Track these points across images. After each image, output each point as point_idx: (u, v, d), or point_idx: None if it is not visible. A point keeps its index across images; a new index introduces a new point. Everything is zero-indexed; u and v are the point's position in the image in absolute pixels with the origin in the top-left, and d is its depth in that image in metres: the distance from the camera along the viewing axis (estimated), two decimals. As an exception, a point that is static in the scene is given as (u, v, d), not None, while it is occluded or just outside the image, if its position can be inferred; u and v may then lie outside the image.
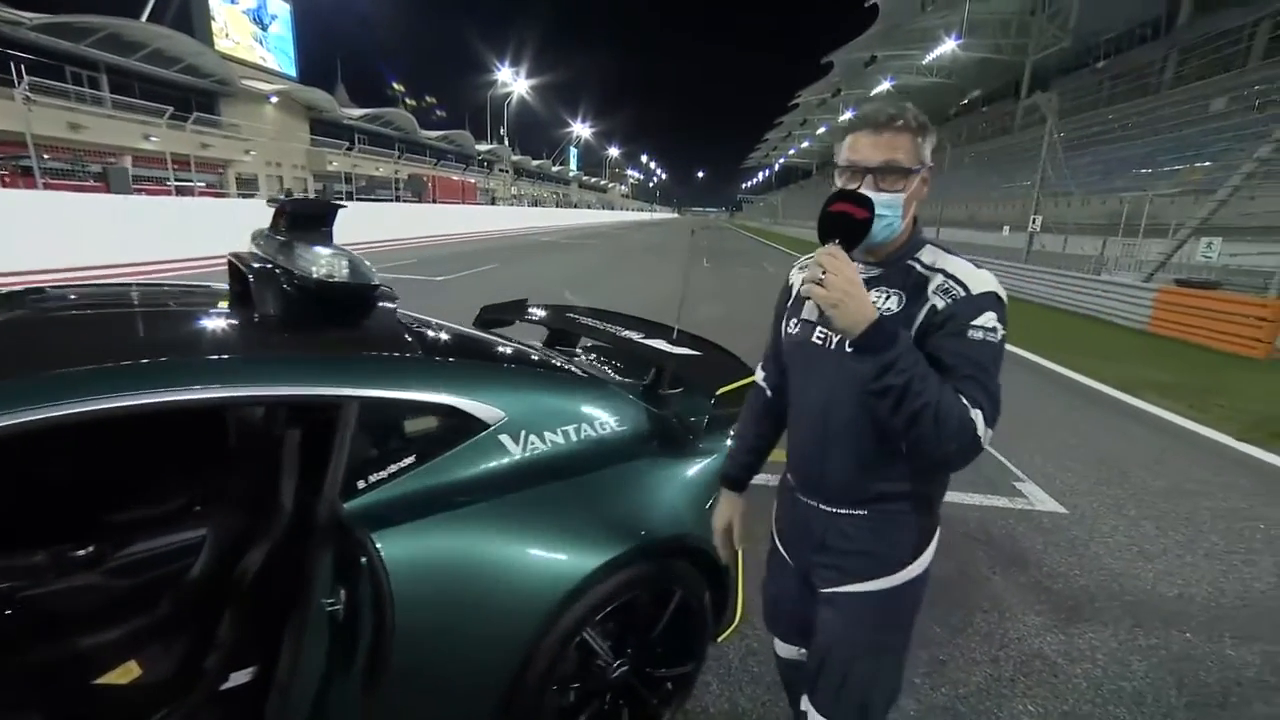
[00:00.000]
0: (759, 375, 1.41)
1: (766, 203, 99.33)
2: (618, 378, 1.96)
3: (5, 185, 13.41)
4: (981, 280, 1.03)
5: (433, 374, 1.36)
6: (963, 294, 1.02)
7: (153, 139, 24.07)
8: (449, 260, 15.32)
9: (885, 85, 41.59)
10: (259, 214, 1.78)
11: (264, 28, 33.23)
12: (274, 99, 32.36)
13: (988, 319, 1.00)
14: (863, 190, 1.01)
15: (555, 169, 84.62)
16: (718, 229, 64.42)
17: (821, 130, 64.40)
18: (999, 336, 1.00)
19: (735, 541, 1.38)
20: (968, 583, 2.60)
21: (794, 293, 1.22)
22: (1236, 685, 2.07)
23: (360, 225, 18.65)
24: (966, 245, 18.79)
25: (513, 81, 56.99)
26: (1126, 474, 3.86)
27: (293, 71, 35.36)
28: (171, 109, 24.10)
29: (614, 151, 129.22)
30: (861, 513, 1.14)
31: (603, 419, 1.55)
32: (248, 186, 30.58)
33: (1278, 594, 2.63)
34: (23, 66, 14.82)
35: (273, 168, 32.57)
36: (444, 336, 1.75)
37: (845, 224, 0.99)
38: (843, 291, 0.93)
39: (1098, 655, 2.18)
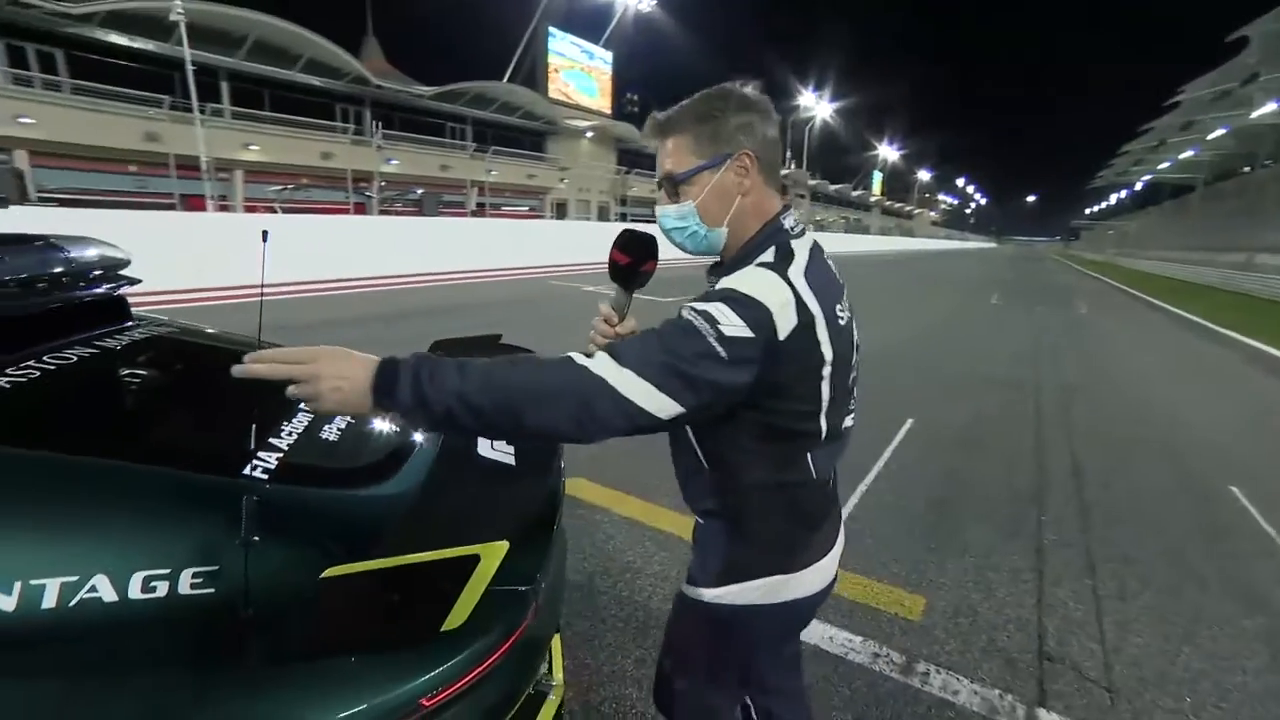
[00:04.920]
0: None
1: (1117, 229, 79.52)
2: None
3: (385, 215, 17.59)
4: (733, 280, 0.89)
5: None
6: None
7: (493, 173, 29.66)
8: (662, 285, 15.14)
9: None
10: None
11: (588, 74, 38.19)
12: (589, 134, 36.95)
13: (705, 305, 0.85)
14: (659, 203, 1.01)
15: (855, 194, 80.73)
16: (1034, 260, 54.31)
17: (1219, 133, 48.70)
18: (708, 325, 0.83)
19: None
20: None
21: None
22: None
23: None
24: None
25: (815, 105, 56.19)
26: None
27: (608, 109, 39.92)
28: (498, 147, 29.25)
29: (925, 175, 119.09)
30: (699, 520, 1.12)
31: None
32: (560, 210, 35.63)
33: None
34: (378, 123, 19.28)
35: (583, 193, 37.28)
36: None
37: (613, 270, 1.06)
38: (311, 375, 0.76)
39: None
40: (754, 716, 1.34)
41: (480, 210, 20.38)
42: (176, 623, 0.85)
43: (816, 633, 2.25)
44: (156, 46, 19.57)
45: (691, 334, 0.83)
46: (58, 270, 1.39)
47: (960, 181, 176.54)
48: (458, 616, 0.85)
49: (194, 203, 17.58)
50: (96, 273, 1.49)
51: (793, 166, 54.21)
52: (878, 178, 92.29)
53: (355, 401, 0.77)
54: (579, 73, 37.26)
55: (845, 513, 3.25)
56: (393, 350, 0.83)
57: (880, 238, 65.85)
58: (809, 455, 0.99)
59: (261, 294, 0.91)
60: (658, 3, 39.55)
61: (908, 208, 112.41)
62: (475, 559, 0.85)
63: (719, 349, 0.82)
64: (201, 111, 15.37)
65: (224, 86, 22.45)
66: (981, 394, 5.78)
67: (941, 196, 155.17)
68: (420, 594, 0.87)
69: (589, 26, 37.57)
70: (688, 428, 1.00)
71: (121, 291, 1.54)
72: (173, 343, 1.44)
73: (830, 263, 1.01)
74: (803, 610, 1.10)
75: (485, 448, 1.25)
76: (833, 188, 71.56)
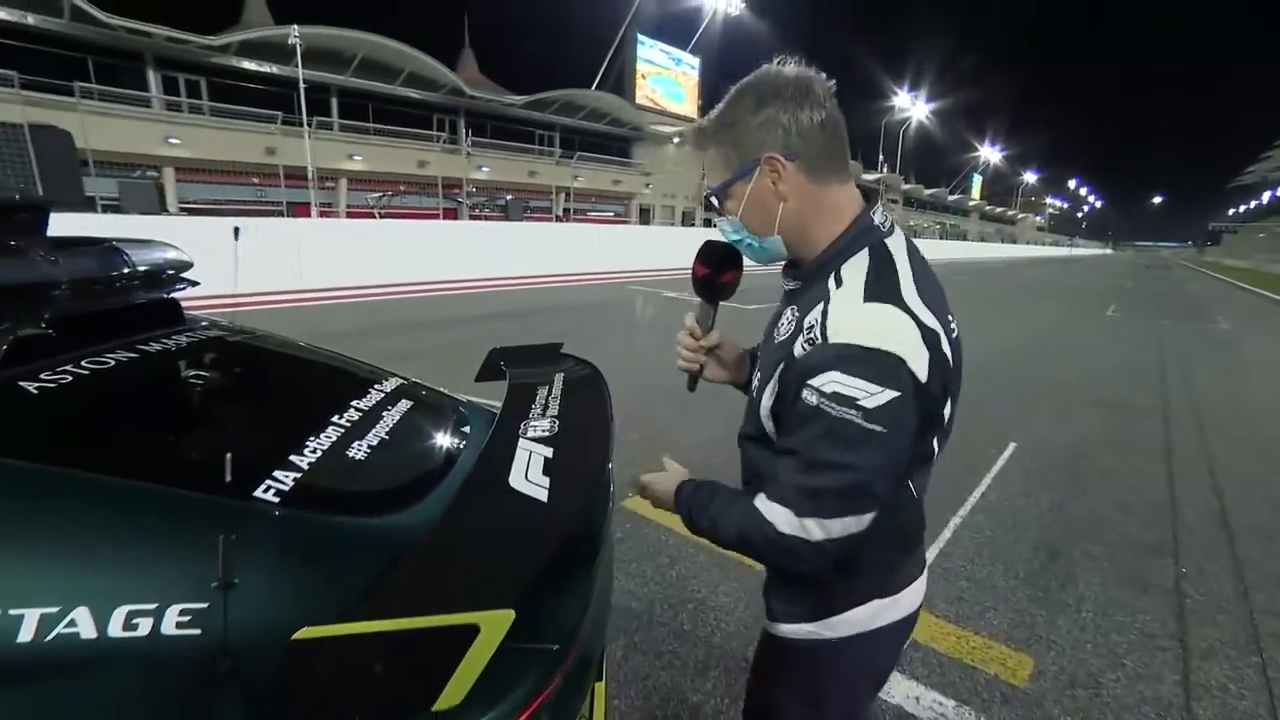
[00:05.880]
0: None
1: (1270, 231, 69.94)
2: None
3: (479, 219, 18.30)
4: (847, 324, 0.77)
5: None
6: (819, 340, 0.78)
7: (579, 178, 30.29)
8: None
9: None
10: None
11: (676, 80, 38.21)
12: (676, 139, 36.98)
13: (828, 380, 0.75)
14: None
15: (952, 199, 76.27)
16: (1158, 267, 49.23)
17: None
18: (847, 409, 0.74)
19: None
20: None
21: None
22: None
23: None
24: None
25: (910, 106, 53.63)
26: None
27: (694, 114, 39.80)
28: (584, 153, 29.74)
29: (1030, 178, 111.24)
30: None
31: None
32: (645, 216, 35.83)
33: None
34: (469, 131, 19.97)
35: (667, 198, 37.36)
36: None
37: (695, 283, 1.05)
38: (649, 487, 1.08)
39: None
40: None
41: (566, 215, 20.81)
42: (154, 666, 0.75)
43: (900, 690, 1.98)
44: (279, 69, 21.38)
45: (836, 433, 0.76)
46: (115, 273, 1.38)
47: (1072, 183, 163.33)
48: (454, 695, 0.70)
49: (299, 210, 18.93)
50: (156, 276, 1.48)
51: (885, 170, 51.88)
52: (977, 181, 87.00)
53: (670, 510, 1.04)
54: (666, 79, 37.38)
55: (936, 549, 2.93)
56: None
57: (976, 244, 61.75)
58: (908, 475, 0.93)
59: (235, 289, 0.80)
60: (746, 6, 39.16)
61: (1010, 212, 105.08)
62: (474, 630, 0.71)
63: (873, 427, 0.74)
64: (312, 125, 16.56)
65: (334, 102, 24.18)
66: (1098, 418, 5.15)
67: (1049, 200, 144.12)
68: (407, 667, 0.73)
69: (678, 32, 37.68)
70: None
71: (179, 295, 1.53)
72: (216, 349, 1.40)
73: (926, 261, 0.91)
74: (900, 635, 1.05)
75: (518, 478, 1.10)
76: (928, 192, 67.96)
